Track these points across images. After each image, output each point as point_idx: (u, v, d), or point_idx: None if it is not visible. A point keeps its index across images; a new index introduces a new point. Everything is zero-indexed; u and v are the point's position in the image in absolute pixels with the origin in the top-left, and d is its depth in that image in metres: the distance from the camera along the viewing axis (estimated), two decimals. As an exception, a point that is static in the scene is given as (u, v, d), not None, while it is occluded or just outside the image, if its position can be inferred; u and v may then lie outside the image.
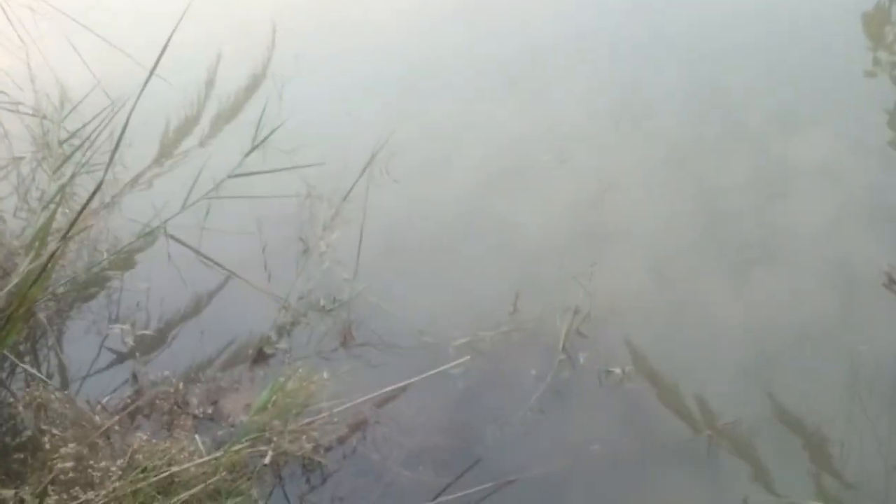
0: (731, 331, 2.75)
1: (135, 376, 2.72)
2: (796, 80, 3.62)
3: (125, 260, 3.07)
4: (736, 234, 3.05)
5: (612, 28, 4.03)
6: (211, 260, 3.08)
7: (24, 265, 2.10)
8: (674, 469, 2.43)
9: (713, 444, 2.45)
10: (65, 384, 2.72)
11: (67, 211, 2.87)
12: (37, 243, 2.09)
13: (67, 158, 2.37)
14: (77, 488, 2.07)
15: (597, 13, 4.14)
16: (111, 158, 1.98)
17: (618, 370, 2.64)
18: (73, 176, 2.34)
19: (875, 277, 2.83)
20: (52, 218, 2.10)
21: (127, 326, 2.86)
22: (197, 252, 3.10)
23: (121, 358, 2.81)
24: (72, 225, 1.85)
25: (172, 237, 3.10)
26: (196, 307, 2.96)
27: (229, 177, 2.72)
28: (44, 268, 2.01)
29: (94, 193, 1.99)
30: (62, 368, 2.78)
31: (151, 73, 1.92)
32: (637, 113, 3.58)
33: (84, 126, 2.40)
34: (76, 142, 2.90)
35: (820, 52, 3.75)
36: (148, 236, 2.94)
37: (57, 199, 2.22)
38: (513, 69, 3.85)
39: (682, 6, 4.14)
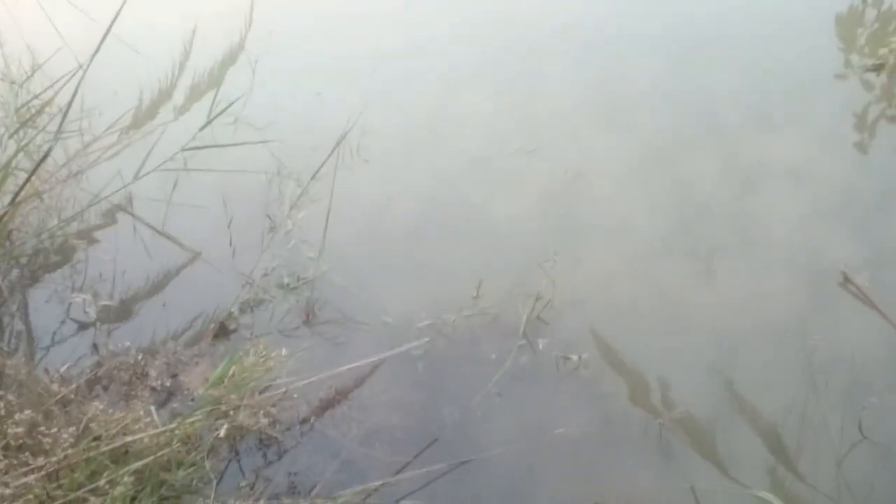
0: (690, 322, 2.78)
1: (95, 346, 2.72)
2: (767, 81, 3.65)
3: (89, 230, 3.05)
4: (700, 227, 3.08)
5: (594, 22, 4.04)
6: (165, 234, 3.07)
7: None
8: (627, 454, 2.46)
9: (667, 431, 2.49)
10: (24, 351, 2.71)
11: (36, 179, 2.84)
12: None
13: (24, 124, 2.34)
14: (27, 454, 2.06)
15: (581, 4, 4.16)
16: (60, 125, 1.96)
17: (575, 357, 2.67)
18: (26, 143, 2.31)
19: (834, 275, 2.87)
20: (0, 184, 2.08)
21: (89, 296, 2.85)
22: (151, 226, 3.09)
23: (82, 327, 2.80)
24: (20, 190, 1.84)
25: (123, 209, 3.08)
26: (160, 279, 2.95)
27: (183, 150, 2.70)
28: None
29: (41, 161, 1.97)
30: (22, 335, 2.77)
31: (108, 31, 1.91)
32: (608, 106, 3.60)
33: (44, 91, 2.38)
34: (46, 110, 2.89)
35: (793, 53, 3.78)
36: (110, 207, 2.91)
37: (9, 165, 2.19)
38: (489, 56, 3.85)
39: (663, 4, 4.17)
